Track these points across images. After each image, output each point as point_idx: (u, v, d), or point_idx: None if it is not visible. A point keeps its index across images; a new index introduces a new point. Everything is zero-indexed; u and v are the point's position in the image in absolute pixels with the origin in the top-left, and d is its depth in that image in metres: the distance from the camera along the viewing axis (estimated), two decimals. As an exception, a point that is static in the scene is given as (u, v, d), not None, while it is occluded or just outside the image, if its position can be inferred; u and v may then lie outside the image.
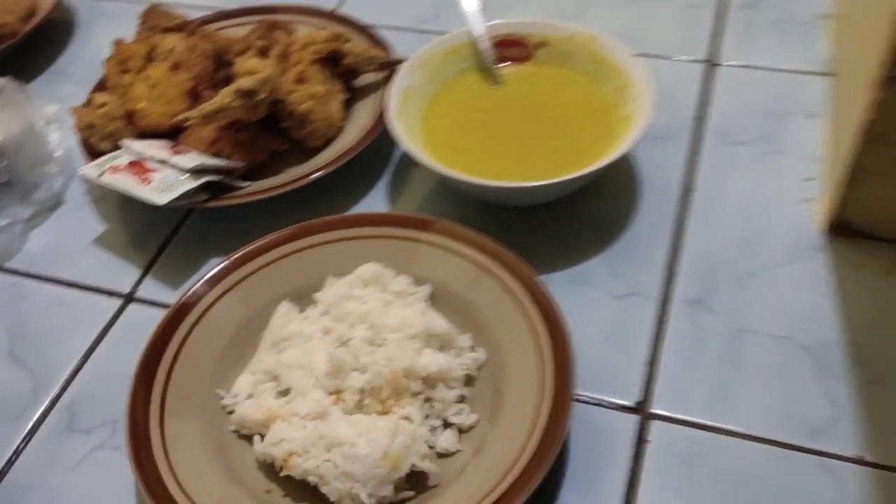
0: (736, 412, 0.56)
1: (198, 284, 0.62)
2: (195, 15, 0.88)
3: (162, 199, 0.65)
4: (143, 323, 0.63)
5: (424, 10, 0.94)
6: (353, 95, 0.79)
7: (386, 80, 0.77)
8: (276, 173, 0.73)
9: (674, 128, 0.76)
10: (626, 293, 0.64)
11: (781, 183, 0.70)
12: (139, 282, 0.70)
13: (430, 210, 0.72)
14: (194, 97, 0.75)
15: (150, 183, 0.66)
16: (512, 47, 0.77)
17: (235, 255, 0.63)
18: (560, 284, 0.64)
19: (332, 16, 0.87)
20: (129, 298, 0.69)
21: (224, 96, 0.68)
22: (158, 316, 0.61)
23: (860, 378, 0.57)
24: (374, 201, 0.74)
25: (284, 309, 0.62)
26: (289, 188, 0.69)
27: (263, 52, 0.75)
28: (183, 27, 0.82)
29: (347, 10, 0.90)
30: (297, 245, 0.64)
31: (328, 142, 0.75)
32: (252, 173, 0.73)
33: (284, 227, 0.65)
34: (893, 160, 0.58)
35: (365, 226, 0.65)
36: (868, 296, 0.62)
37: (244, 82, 0.68)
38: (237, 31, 0.85)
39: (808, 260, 0.64)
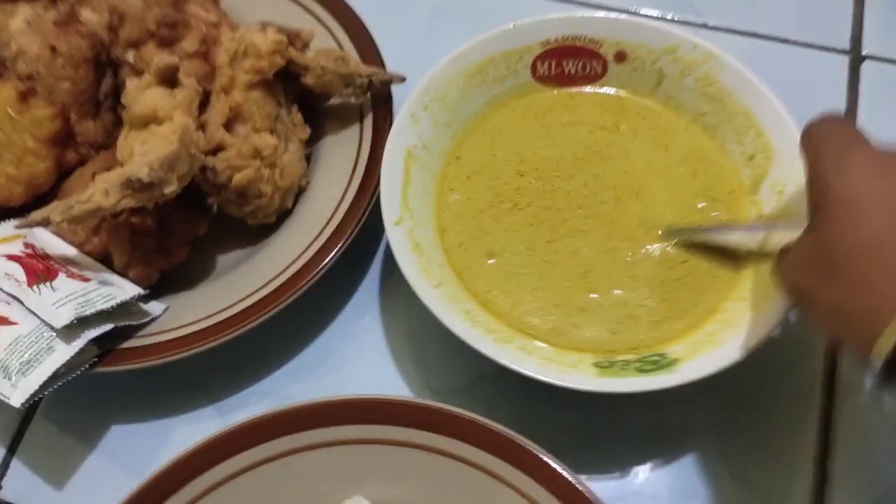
0: None
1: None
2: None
3: (15, 396, 0.39)
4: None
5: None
6: (318, 123, 0.50)
7: (377, 98, 0.49)
8: (197, 273, 0.47)
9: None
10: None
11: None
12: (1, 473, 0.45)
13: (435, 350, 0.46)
14: (63, 143, 0.47)
15: (-10, 356, 0.40)
16: (575, 58, 0.48)
17: (152, 480, 0.39)
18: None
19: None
20: (-11, 499, 0.44)
21: (106, 194, 0.40)
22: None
23: None
24: (355, 332, 0.47)
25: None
26: (236, 332, 0.43)
27: (167, 80, 0.45)
28: (35, -6, 0.50)
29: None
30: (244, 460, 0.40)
31: (282, 215, 0.48)
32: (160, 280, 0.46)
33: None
34: None
35: (368, 423, 0.40)
36: None
37: (134, 170, 0.40)
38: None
39: None
